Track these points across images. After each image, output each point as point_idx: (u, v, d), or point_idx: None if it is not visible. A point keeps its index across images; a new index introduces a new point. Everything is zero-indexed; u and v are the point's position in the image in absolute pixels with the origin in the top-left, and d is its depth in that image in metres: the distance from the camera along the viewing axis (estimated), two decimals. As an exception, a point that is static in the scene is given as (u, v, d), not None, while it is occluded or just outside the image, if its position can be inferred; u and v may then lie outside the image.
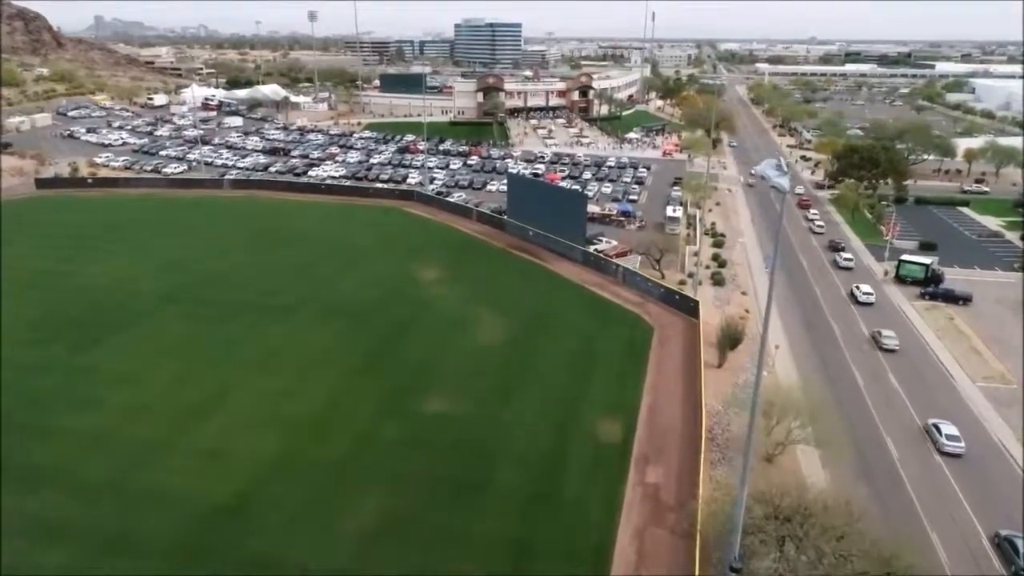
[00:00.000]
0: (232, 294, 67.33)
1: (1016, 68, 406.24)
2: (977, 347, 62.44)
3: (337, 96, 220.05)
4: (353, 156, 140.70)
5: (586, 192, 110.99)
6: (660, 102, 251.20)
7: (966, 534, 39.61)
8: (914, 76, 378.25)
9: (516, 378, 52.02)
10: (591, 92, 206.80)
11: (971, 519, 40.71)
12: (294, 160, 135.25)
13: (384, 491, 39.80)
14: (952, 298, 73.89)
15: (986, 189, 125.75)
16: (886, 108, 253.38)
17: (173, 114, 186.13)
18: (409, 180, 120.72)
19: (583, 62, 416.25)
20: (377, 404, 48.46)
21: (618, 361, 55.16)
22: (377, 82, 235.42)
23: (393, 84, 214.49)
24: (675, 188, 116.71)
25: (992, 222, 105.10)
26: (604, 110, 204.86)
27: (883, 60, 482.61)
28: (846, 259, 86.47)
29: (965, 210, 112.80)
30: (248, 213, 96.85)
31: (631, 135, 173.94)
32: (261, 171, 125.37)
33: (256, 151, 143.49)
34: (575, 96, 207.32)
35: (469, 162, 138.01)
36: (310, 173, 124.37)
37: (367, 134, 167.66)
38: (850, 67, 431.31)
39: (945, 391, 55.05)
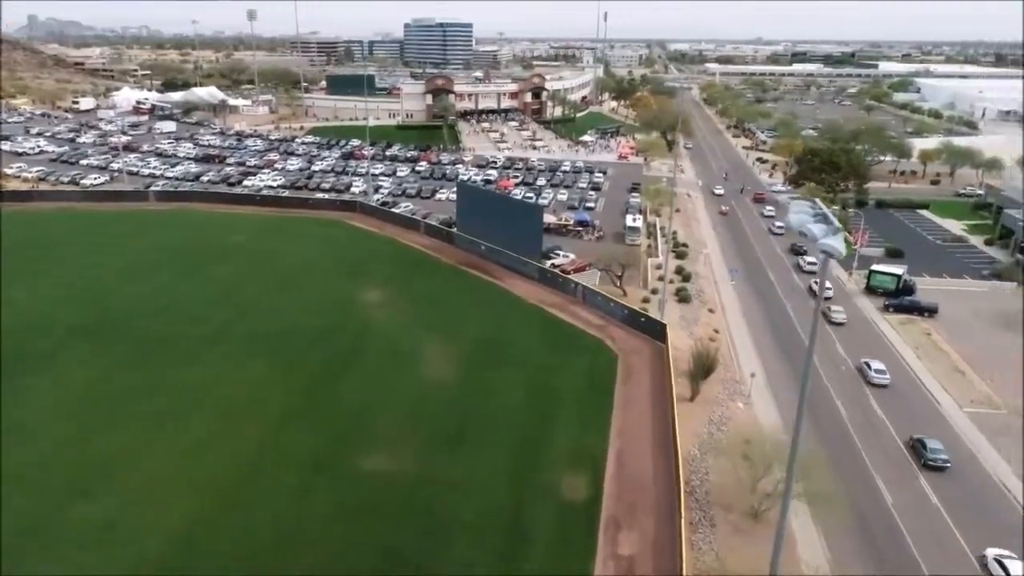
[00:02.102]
0: (150, 324, 59.40)
1: (954, 68, 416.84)
2: (960, 367, 58.75)
3: (279, 99, 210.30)
4: (294, 163, 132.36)
5: (541, 199, 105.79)
6: (614, 103, 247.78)
7: None
8: (859, 76, 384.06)
9: (467, 423, 45.85)
10: (544, 93, 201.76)
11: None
12: (229, 168, 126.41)
13: (314, 572, 33.37)
14: (918, 309, 70.68)
15: (980, 192, 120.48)
16: (836, 108, 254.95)
17: (100, 119, 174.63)
18: (353, 189, 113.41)
19: (535, 62, 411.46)
20: (308, 460, 41.72)
21: (580, 398, 49.40)
22: (324, 84, 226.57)
23: (340, 85, 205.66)
24: (633, 195, 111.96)
25: (955, 226, 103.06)
26: (558, 112, 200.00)
27: (828, 60, 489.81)
28: (809, 263, 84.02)
29: (925, 213, 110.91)
30: (174, 229, 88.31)
31: (586, 138, 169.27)
32: (192, 181, 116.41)
33: (188, 159, 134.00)
34: (528, 98, 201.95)
35: (418, 168, 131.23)
36: (246, 183, 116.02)
37: (310, 139, 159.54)
38: (797, 67, 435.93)
39: (932, 417, 50.92)
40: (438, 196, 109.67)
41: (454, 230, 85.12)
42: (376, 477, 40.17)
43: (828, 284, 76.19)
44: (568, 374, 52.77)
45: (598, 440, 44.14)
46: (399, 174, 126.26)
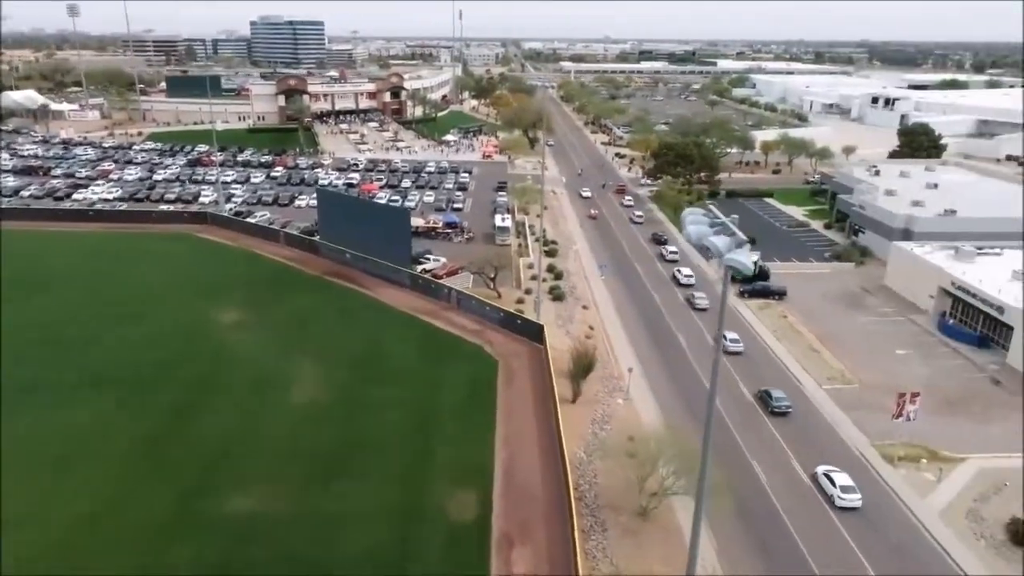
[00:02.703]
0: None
1: (782, 65, 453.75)
2: (815, 346, 62.44)
3: (111, 102, 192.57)
4: (132, 172, 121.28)
5: (407, 202, 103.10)
6: (474, 102, 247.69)
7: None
8: (701, 73, 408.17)
9: (344, 450, 42.77)
10: (403, 93, 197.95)
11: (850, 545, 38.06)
12: (55, 181, 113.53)
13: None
14: (769, 293, 74.66)
15: (818, 180, 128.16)
16: (683, 103, 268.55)
17: None
18: (202, 198, 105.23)
19: (392, 61, 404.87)
20: (159, 514, 36.95)
21: (462, 410, 47.67)
22: (164, 85, 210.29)
23: (182, 87, 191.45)
24: (500, 193, 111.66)
25: (797, 212, 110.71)
26: (418, 111, 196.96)
27: (672, 58, 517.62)
28: (671, 252, 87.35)
29: (771, 201, 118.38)
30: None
31: (448, 137, 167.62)
32: (9, 196, 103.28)
33: (4, 171, 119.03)
34: (387, 97, 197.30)
35: (273, 174, 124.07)
36: (76, 196, 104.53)
37: (150, 145, 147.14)
38: (645, 65, 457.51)
39: (797, 397, 53.52)
40: (297, 203, 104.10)
41: (317, 239, 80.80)
42: (242, 522, 36.33)
43: (690, 272, 79.29)
44: (448, 385, 50.92)
45: (484, 453, 42.61)
46: (253, 181, 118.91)
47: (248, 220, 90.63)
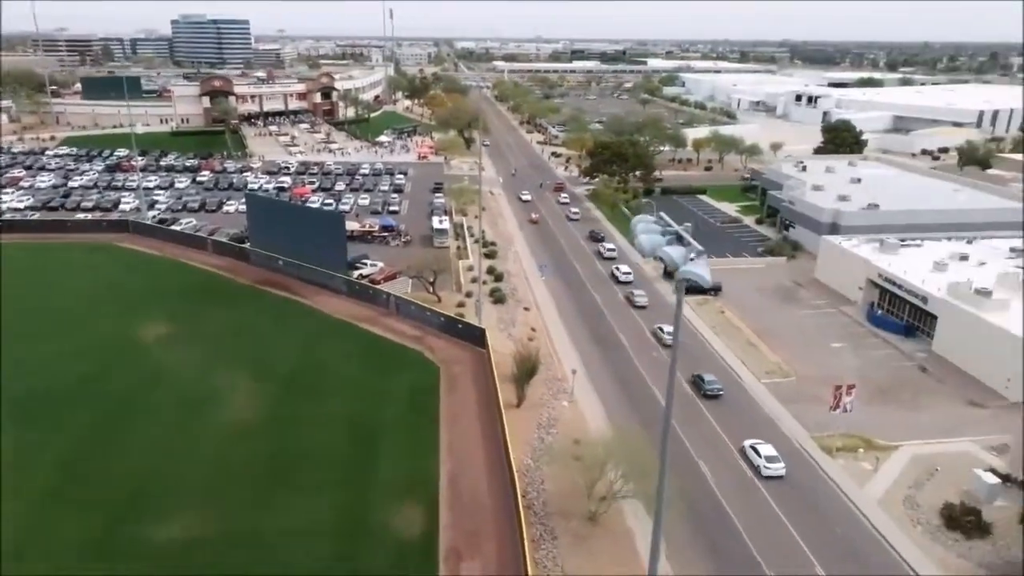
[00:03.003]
0: None
1: (709, 64, 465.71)
2: (752, 340, 63.53)
3: (20, 105, 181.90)
4: (45, 179, 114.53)
5: (341, 205, 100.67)
6: (408, 102, 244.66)
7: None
8: (632, 72, 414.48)
9: (282, 468, 40.91)
10: (335, 93, 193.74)
11: (799, 544, 38.59)
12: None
13: None
14: (702, 290, 75.48)
15: (749, 176, 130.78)
16: (616, 102, 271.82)
17: None
18: (123, 206, 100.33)
19: (321, 61, 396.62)
20: (79, 544, 34.53)
21: (405, 420, 46.37)
22: (79, 87, 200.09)
23: (99, 88, 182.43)
24: (437, 195, 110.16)
25: (730, 208, 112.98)
26: (351, 112, 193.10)
27: (604, 57, 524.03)
28: (608, 249, 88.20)
29: (704, 198, 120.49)
30: None
31: (383, 138, 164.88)
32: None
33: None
34: (317, 98, 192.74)
35: (199, 179, 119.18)
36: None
37: (64, 150, 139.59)
38: (577, 64, 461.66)
39: (734, 389, 54.30)
40: (226, 208, 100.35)
41: (247, 246, 77.85)
42: (172, 549, 34.25)
43: (628, 269, 79.89)
44: (389, 394, 49.53)
45: (428, 464, 41.46)
46: (178, 186, 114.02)
47: (173, 228, 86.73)
